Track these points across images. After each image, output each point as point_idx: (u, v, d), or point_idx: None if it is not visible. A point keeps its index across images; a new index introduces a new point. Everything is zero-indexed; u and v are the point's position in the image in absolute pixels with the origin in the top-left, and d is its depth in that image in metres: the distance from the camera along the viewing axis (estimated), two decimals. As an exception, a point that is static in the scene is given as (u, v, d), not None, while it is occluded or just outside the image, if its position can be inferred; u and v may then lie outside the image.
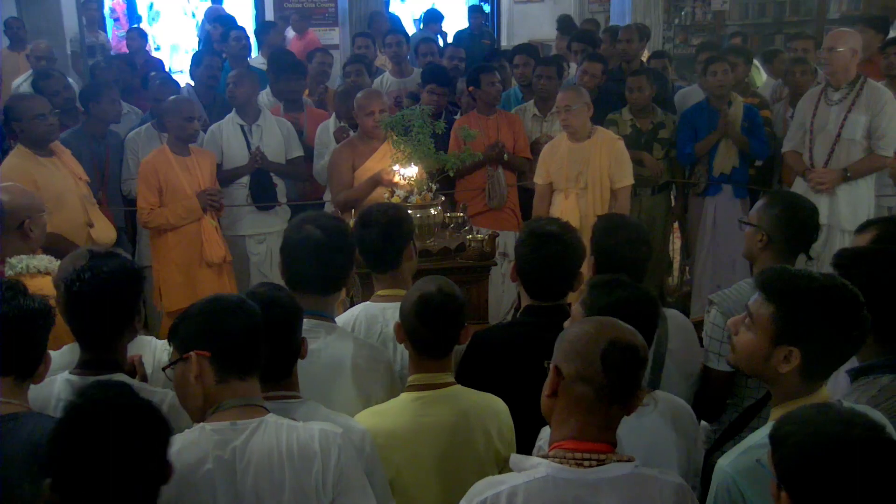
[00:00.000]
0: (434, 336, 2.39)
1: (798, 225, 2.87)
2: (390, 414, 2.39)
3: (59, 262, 2.64)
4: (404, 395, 2.43)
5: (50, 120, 4.36)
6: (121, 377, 2.31)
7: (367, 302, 2.98)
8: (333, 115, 5.62)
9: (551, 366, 1.82)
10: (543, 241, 2.73)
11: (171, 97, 5.14)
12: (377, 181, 4.52)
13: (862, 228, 2.89)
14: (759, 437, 1.98)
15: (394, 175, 4.10)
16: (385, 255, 2.96)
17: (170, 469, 1.76)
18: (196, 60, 6.53)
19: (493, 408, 2.42)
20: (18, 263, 2.97)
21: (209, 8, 10.63)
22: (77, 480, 1.64)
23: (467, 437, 2.36)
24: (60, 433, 1.67)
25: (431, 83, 5.72)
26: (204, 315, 2.03)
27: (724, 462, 1.96)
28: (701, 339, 2.85)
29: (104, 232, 4.53)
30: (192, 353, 1.99)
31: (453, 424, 2.36)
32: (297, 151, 5.55)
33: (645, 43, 7.22)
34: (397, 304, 2.73)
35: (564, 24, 8.63)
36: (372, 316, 2.89)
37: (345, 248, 2.75)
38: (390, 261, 2.97)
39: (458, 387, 2.42)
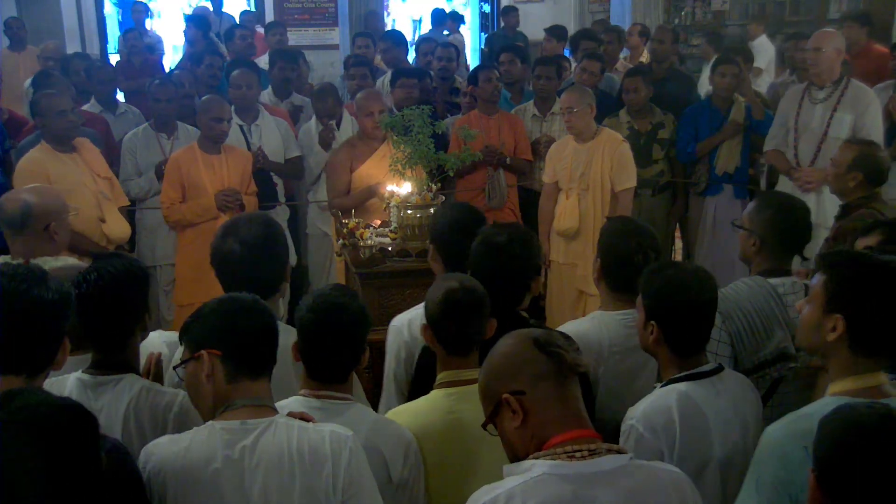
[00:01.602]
0: (462, 331, 2.38)
1: (790, 227, 2.87)
2: (421, 412, 2.37)
3: (81, 263, 2.63)
4: (435, 393, 2.41)
5: (71, 117, 4.47)
6: (132, 378, 2.31)
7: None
8: (314, 115, 5.62)
9: (503, 399, 1.79)
10: (494, 253, 2.66)
11: (205, 97, 5.14)
12: (372, 193, 4.52)
13: (867, 231, 2.88)
14: (809, 408, 2.05)
15: (385, 191, 4.12)
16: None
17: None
18: (197, 60, 6.52)
19: None
20: (43, 265, 2.96)
21: (196, 7, 10.55)
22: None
23: None
24: None
25: (400, 78, 5.68)
26: (216, 314, 2.04)
27: (772, 428, 2.03)
28: None
29: (117, 228, 4.58)
30: (203, 351, 1.99)
31: (482, 420, 2.34)
32: (296, 151, 5.55)
33: (677, 46, 7.21)
34: None
35: (557, 30, 8.64)
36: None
37: (272, 255, 2.72)
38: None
39: None
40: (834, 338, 2.04)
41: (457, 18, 10.25)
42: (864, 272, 2.04)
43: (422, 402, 2.43)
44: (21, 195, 3.16)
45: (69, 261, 2.99)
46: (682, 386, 2.31)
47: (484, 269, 2.65)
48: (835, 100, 4.94)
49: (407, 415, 2.39)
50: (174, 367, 2.11)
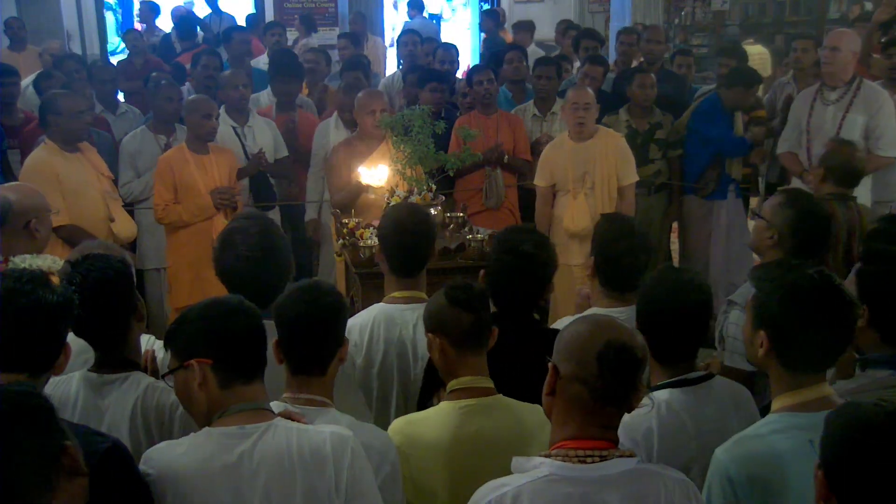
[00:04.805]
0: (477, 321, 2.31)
1: (811, 231, 2.88)
2: (431, 423, 2.29)
3: (62, 261, 2.64)
4: (446, 405, 2.32)
5: (86, 117, 4.59)
6: (138, 376, 2.31)
7: (382, 303, 2.91)
8: (335, 113, 5.57)
9: (550, 365, 1.82)
10: (522, 261, 2.64)
11: (191, 97, 5.15)
12: (361, 188, 4.46)
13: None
14: (754, 428, 2.03)
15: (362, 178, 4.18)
16: (419, 259, 2.91)
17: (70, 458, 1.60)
18: (193, 60, 6.51)
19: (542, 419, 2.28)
20: (22, 262, 2.96)
21: (175, 7, 10.44)
22: None
23: (522, 451, 2.28)
24: None
25: (432, 82, 5.69)
26: (203, 320, 2.00)
27: (720, 451, 2.01)
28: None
29: (125, 227, 4.68)
30: (193, 360, 1.96)
31: (506, 436, 2.26)
32: (283, 151, 5.58)
33: (669, 45, 7.20)
34: (416, 306, 2.71)
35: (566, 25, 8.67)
36: (390, 317, 2.83)
37: (272, 265, 2.67)
38: (421, 265, 2.92)
39: (501, 396, 2.33)
40: (762, 353, 2.02)
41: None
42: (784, 288, 1.99)
43: (430, 413, 2.36)
44: (1, 192, 3.22)
45: (48, 259, 2.99)
46: (663, 394, 2.28)
47: (509, 277, 2.64)
48: (847, 101, 4.92)
49: (413, 426, 2.32)
50: (163, 376, 2.08)
